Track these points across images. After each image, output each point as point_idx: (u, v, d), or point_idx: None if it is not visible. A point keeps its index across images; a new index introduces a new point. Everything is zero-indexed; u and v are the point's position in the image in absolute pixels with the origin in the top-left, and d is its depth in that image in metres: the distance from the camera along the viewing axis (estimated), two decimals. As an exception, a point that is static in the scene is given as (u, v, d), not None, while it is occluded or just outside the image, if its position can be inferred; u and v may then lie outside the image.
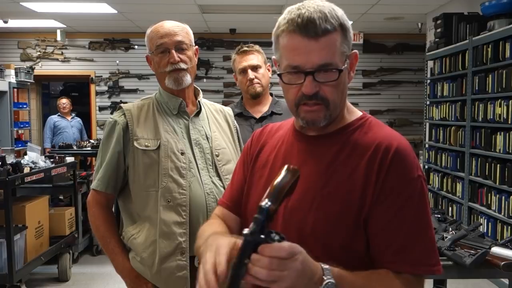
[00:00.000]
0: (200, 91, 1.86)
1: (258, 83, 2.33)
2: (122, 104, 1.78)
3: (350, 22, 1.04)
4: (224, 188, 1.71)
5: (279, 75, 1.05)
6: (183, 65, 1.69)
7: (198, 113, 1.80)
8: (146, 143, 1.67)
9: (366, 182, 1.00)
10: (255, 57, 2.33)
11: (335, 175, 1.03)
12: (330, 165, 1.04)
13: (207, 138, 1.77)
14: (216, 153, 1.76)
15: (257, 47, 2.38)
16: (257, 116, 2.38)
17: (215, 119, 1.86)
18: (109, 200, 1.73)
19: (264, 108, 2.41)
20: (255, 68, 2.32)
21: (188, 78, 1.71)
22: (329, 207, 1.01)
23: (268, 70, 2.39)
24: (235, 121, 1.97)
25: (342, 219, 1.00)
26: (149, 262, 1.64)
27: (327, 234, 1.00)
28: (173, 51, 1.68)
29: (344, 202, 1.00)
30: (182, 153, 1.68)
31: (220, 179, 1.74)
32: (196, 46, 1.80)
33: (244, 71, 2.33)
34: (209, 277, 0.83)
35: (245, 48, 2.35)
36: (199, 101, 1.82)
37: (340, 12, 1.02)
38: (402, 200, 0.99)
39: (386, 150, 1.01)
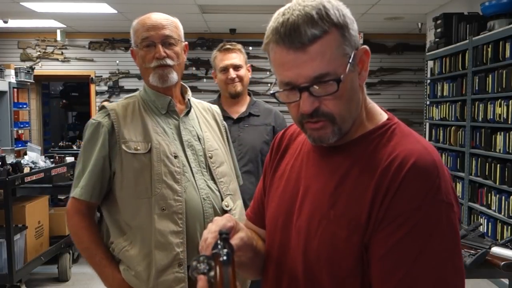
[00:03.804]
0: (188, 88, 1.73)
1: (239, 83, 2.34)
2: (105, 103, 1.64)
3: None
4: (219, 192, 1.62)
5: (273, 94, 0.91)
6: (169, 61, 1.57)
7: (187, 113, 1.68)
8: (136, 146, 1.53)
9: (373, 202, 0.84)
10: (237, 56, 2.34)
11: (344, 195, 0.89)
12: (340, 183, 0.90)
13: (198, 139, 1.66)
14: (209, 154, 1.65)
15: (239, 46, 2.39)
16: (235, 116, 2.40)
17: (205, 118, 1.75)
18: (90, 209, 1.57)
19: (242, 109, 2.43)
20: (236, 67, 2.33)
21: (174, 76, 1.59)
22: (335, 232, 0.88)
23: (248, 70, 2.41)
24: (223, 120, 1.87)
25: (349, 246, 0.86)
26: (144, 276, 1.50)
27: (333, 262, 0.88)
28: (160, 46, 1.56)
29: (352, 228, 0.86)
30: (176, 157, 1.55)
31: (215, 183, 1.63)
32: (186, 42, 1.67)
33: (225, 69, 2.33)
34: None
35: (228, 46, 2.35)
36: (188, 100, 1.69)
37: (332, 9, 0.85)
38: (408, 228, 0.81)
39: (400, 166, 0.84)
